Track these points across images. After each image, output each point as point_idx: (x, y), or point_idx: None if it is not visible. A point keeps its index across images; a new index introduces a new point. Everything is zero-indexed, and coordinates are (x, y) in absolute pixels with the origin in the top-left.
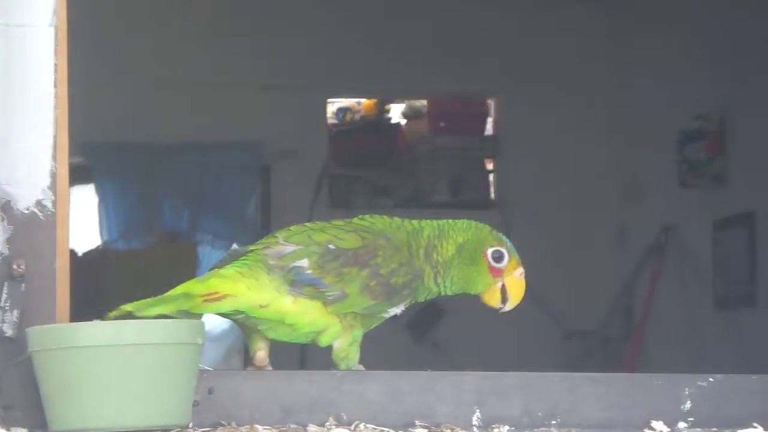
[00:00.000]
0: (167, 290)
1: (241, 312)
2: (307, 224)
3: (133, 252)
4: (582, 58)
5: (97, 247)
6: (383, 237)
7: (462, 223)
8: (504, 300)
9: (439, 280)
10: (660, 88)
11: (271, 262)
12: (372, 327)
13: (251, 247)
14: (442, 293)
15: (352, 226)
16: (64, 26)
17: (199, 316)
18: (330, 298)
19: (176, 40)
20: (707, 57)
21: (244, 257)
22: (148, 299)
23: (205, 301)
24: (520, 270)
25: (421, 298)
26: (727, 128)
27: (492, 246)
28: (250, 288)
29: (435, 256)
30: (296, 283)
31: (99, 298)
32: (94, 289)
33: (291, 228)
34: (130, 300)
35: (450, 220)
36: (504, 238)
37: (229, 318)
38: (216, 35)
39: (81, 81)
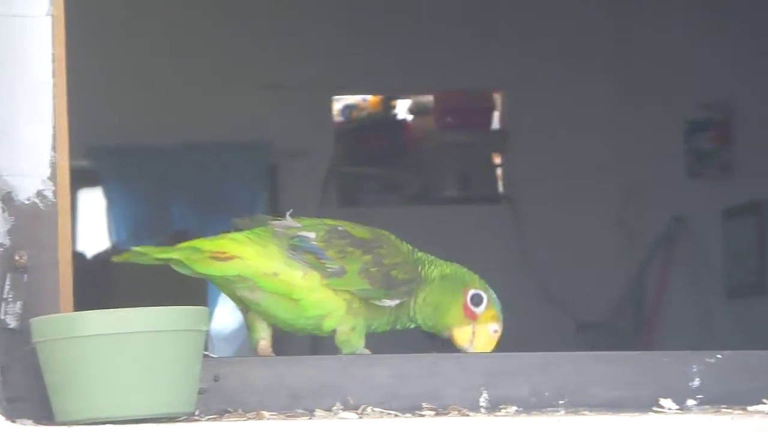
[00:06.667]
0: (176, 289)
1: (247, 279)
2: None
3: None
4: (588, 51)
5: (107, 250)
6: (391, 238)
7: (454, 264)
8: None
9: (417, 290)
10: (666, 77)
11: (277, 229)
12: (374, 326)
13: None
14: (411, 312)
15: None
16: (61, 15)
17: (204, 275)
18: (329, 270)
19: (179, 41)
20: (713, 44)
21: (253, 228)
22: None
23: (212, 257)
24: (496, 326)
25: (399, 320)
26: (733, 117)
27: (475, 288)
28: (258, 254)
29: (419, 269)
30: (298, 248)
31: (109, 299)
32: (104, 290)
33: (303, 218)
34: (140, 304)
35: (443, 260)
36: (491, 290)
37: (231, 291)
38: (220, 34)
39: (85, 83)
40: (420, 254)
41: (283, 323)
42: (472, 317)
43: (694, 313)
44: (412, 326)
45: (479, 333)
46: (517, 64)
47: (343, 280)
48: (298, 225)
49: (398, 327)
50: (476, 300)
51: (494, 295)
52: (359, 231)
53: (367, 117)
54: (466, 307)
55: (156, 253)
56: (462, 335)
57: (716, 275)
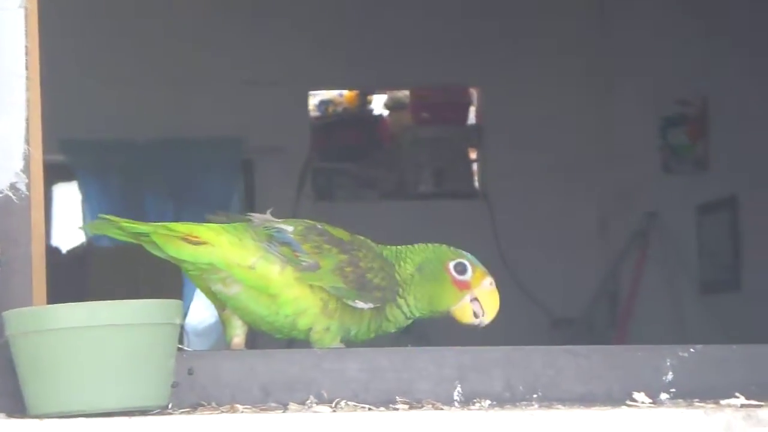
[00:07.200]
0: (152, 285)
1: (221, 270)
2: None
3: (117, 248)
4: (564, 46)
5: (82, 244)
6: (372, 245)
7: (418, 246)
8: (478, 314)
9: (403, 294)
10: (641, 73)
11: (255, 221)
12: (353, 332)
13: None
14: (408, 314)
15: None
16: (34, 8)
17: (176, 259)
18: (303, 264)
19: (156, 36)
20: (688, 40)
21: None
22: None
23: (183, 239)
24: (489, 279)
25: (391, 326)
26: (708, 112)
27: (453, 259)
28: (231, 244)
29: (395, 274)
30: (274, 239)
31: (84, 294)
32: (79, 286)
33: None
34: (114, 298)
35: (406, 246)
36: (465, 252)
37: (206, 285)
38: (196, 30)
39: (61, 78)
40: (387, 251)
41: (260, 320)
42: (466, 287)
43: (668, 308)
44: (410, 322)
45: (482, 296)
46: (494, 60)
47: (316, 275)
48: (278, 220)
49: (393, 330)
50: (460, 268)
51: (469, 255)
52: (339, 232)
53: (343, 112)
54: (455, 282)
55: (124, 224)
56: (464, 311)
57: (690, 271)
